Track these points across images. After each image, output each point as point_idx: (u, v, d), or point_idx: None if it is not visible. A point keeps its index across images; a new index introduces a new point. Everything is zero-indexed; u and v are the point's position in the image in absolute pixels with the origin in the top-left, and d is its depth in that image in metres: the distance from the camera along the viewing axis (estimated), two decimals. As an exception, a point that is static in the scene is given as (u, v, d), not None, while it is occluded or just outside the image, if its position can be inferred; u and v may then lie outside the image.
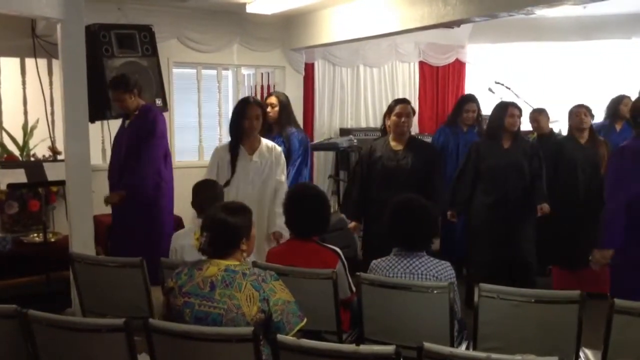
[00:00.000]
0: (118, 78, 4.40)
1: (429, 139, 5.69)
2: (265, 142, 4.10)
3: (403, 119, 4.09)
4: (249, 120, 3.96)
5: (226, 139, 6.63)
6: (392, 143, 4.18)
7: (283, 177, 4.10)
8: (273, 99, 4.76)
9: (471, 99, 5.43)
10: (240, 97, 6.64)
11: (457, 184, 4.52)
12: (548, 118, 5.42)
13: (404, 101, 4.23)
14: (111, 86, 4.39)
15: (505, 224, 4.27)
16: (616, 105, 5.47)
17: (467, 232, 4.64)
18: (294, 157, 4.64)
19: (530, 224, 4.35)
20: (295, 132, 4.76)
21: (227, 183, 3.93)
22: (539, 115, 5.36)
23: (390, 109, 4.22)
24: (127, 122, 4.44)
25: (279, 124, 4.70)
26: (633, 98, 5.85)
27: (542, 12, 5.97)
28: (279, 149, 4.15)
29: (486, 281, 2.71)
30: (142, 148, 4.27)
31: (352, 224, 4.36)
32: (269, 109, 4.60)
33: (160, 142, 4.39)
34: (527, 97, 6.24)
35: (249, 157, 4.02)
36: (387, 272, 2.86)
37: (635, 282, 3.23)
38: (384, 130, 4.48)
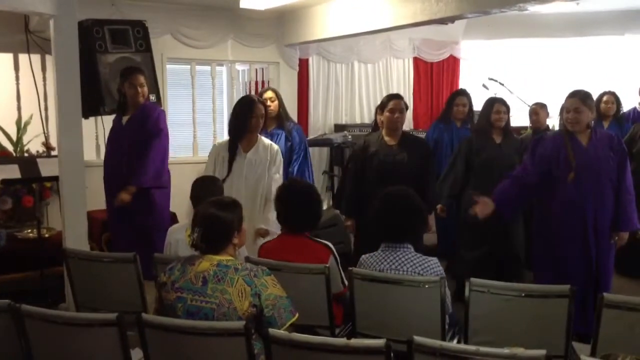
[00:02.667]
0: (135, 66, 4.45)
1: (423, 135, 5.70)
2: (263, 140, 4.10)
3: (396, 115, 4.05)
4: (256, 118, 3.98)
5: (220, 135, 6.71)
6: (387, 138, 4.15)
7: (277, 176, 4.08)
8: (271, 94, 4.75)
9: (462, 92, 5.48)
10: (235, 93, 6.68)
11: (446, 178, 4.55)
12: (547, 114, 5.45)
13: (397, 97, 4.18)
14: (133, 72, 4.31)
15: (497, 218, 4.28)
16: (597, 104, 5.48)
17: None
18: (299, 150, 4.67)
19: (520, 218, 4.36)
20: (294, 125, 4.82)
21: (224, 181, 3.92)
22: (540, 109, 5.36)
23: (383, 105, 4.20)
24: (124, 119, 4.37)
25: (279, 117, 4.71)
26: (628, 94, 5.95)
27: (536, 9, 5.99)
28: (275, 147, 4.13)
29: (471, 275, 2.74)
30: (152, 145, 4.26)
31: (348, 222, 4.30)
32: (268, 104, 4.60)
33: (167, 140, 4.41)
34: (521, 93, 6.26)
35: (243, 154, 4.03)
36: (375, 267, 2.87)
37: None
38: (375, 126, 4.48)
